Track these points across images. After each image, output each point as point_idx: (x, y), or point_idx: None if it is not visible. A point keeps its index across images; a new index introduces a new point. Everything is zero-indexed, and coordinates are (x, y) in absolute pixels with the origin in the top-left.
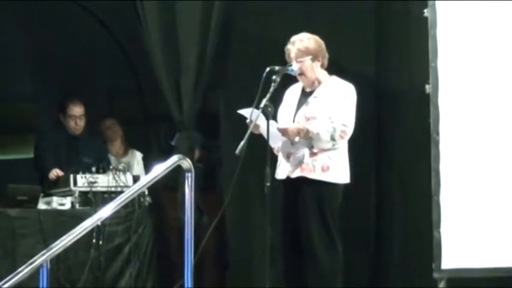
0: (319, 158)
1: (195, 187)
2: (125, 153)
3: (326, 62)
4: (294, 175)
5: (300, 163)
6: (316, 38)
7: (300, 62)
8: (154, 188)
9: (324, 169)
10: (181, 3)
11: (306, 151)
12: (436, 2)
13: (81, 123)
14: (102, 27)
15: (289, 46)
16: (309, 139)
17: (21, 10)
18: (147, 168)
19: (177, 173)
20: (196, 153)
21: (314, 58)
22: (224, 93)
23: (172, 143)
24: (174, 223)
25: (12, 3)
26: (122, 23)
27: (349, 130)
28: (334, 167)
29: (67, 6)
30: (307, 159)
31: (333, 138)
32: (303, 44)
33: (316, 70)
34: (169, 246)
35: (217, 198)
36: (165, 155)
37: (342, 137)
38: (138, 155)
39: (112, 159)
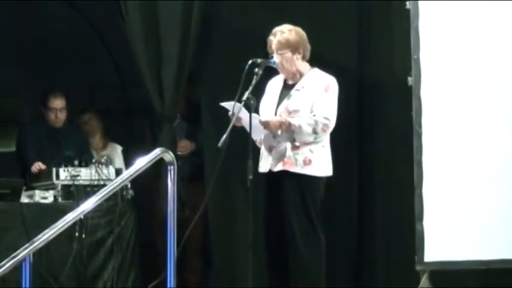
0: (301, 152)
1: (182, 178)
2: (104, 146)
3: (308, 54)
4: (276, 169)
5: (282, 156)
6: (298, 29)
7: (281, 54)
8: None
9: (306, 162)
10: None
11: (287, 144)
12: None
13: (62, 116)
14: (83, 20)
15: (270, 37)
16: (291, 132)
17: (2, 4)
18: (127, 161)
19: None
20: (190, 146)
21: (294, 50)
22: (206, 85)
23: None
24: (159, 214)
25: None
26: (104, 15)
27: (331, 123)
28: (316, 160)
29: None
30: (289, 152)
31: (315, 132)
32: (283, 36)
33: (297, 62)
34: (154, 237)
35: (201, 191)
36: (148, 147)
37: (324, 130)
38: (118, 148)
39: (92, 153)
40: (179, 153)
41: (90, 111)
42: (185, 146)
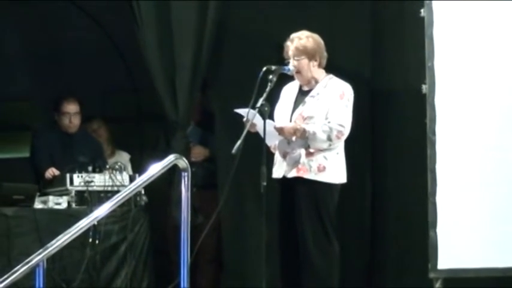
0: (315, 158)
1: (195, 185)
2: (112, 154)
3: (324, 62)
4: (290, 175)
5: (296, 163)
6: (315, 36)
7: (297, 60)
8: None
9: (320, 169)
10: (177, 2)
11: (302, 151)
12: (433, 1)
13: (76, 121)
14: (97, 26)
15: (288, 43)
16: (305, 139)
17: (16, 9)
18: (139, 168)
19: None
20: (204, 152)
21: (311, 57)
22: (220, 91)
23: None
24: (172, 221)
25: (7, 2)
26: (117, 21)
27: (346, 130)
28: (330, 167)
29: (62, 5)
30: (304, 159)
31: (329, 139)
32: (301, 42)
33: (312, 69)
34: (167, 244)
35: (214, 197)
36: (161, 154)
37: (338, 138)
38: (126, 156)
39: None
40: (193, 159)
41: (98, 119)
42: (199, 152)
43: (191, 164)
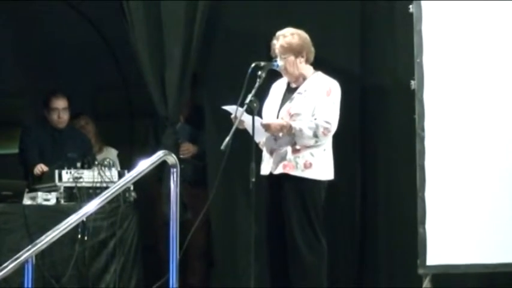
0: (301, 155)
1: (184, 181)
2: (100, 150)
3: (312, 57)
4: (276, 171)
5: (282, 159)
6: (301, 33)
7: (284, 58)
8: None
9: (306, 166)
10: None
11: (288, 148)
12: None
13: (65, 116)
14: (87, 22)
15: (273, 41)
16: (291, 135)
17: (6, 6)
18: (130, 163)
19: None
20: (192, 149)
21: (297, 54)
22: (209, 88)
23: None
24: (161, 217)
25: None
26: (107, 18)
27: (332, 127)
28: (316, 164)
29: (52, 2)
30: (290, 155)
31: (315, 135)
32: (286, 40)
33: (300, 66)
34: (156, 241)
35: (204, 194)
36: (151, 150)
37: (324, 134)
38: (114, 152)
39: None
40: (181, 156)
41: (85, 115)
42: (188, 148)
43: (180, 160)
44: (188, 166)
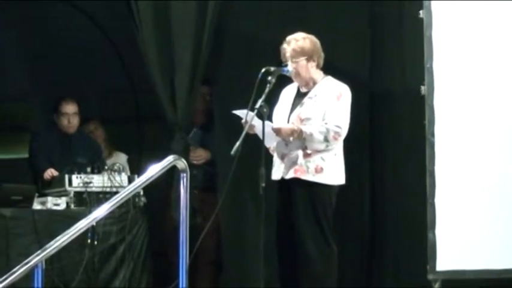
0: (312, 159)
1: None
2: (109, 155)
3: (322, 62)
4: (287, 176)
5: (293, 164)
6: (312, 37)
7: (295, 62)
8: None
9: (317, 170)
10: (175, 2)
11: (299, 152)
12: (432, 2)
13: (75, 121)
14: (95, 27)
15: (284, 46)
16: (302, 140)
17: (14, 10)
18: (137, 169)
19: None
20: (205, 155)
21: (309, 58)
22: (219, 93)
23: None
24: (171, 222)
25: (5, 2)
26: (116, 22)
27: (343, 132)
28: (327, 168)
29: (60, 6)
30: (301, 160)
31: (326, 140)
32: (298, 44)
33: (311, 70)
34: (166, 246)
35: (215, 200)
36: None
37: (335, 139)
38: (123, 157)
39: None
40: (195, 162)
41: (95, 120)
42: (201, 155)
43: (192, 166)
44: (200, 172)
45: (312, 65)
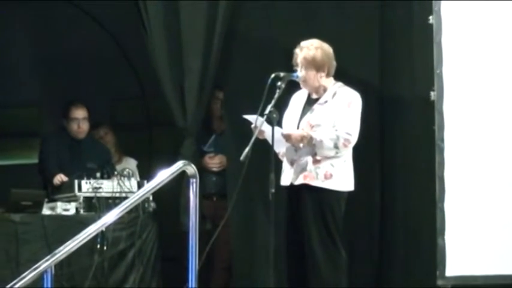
0: (322, 166)
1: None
2: (119, 160)
3: (333, 71)
4: (297, 182)
5: (303, 170)
6: (325, 47)
7: (305, 70)
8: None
9: (326, 176)
10: (185, 7)
11: (309, 158)
12: (441, 8)
13: (84, 126)
14: (105, 32)
15: (297, 50)
16: (312, 146)
17: (23, 15)
18: (147, 174)
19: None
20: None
21: (319, 69)
22: (229, 98)
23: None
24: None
25: (14, 8)
26: (126, 27)
27: (353, 139)
28: (337, 175)
29: (69, 10)
30: (310, 166)
31: (336, 146)
32: (310, 53)
33: (320, 80)
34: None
35: (224, 205)
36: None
37: (345, 146)
38: (133, 162)
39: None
40: (214, 169)
41: (104, 126)
42: (221, 161)
43: (212, 173)
44: (219, 179)
45: (322, 75)
